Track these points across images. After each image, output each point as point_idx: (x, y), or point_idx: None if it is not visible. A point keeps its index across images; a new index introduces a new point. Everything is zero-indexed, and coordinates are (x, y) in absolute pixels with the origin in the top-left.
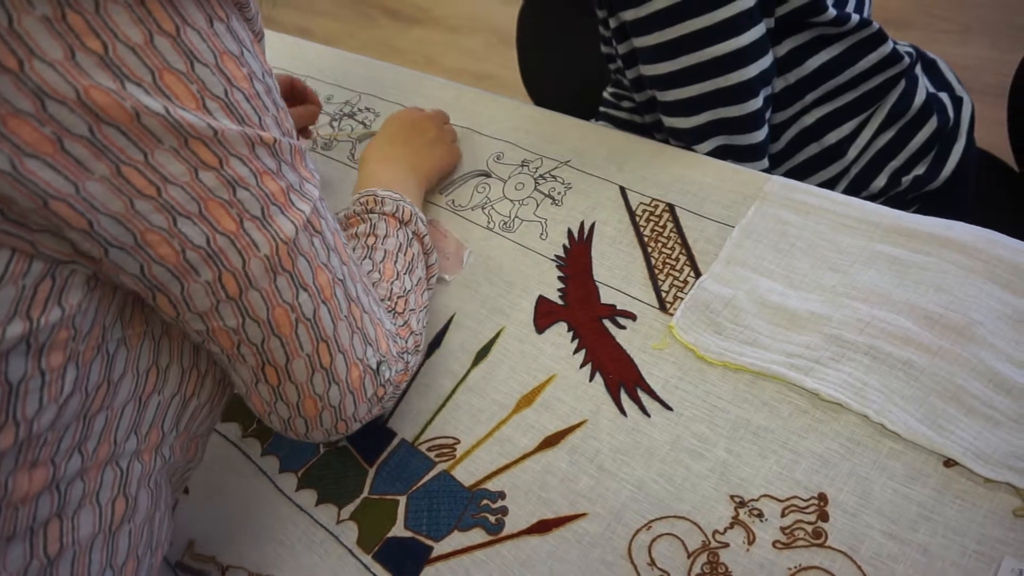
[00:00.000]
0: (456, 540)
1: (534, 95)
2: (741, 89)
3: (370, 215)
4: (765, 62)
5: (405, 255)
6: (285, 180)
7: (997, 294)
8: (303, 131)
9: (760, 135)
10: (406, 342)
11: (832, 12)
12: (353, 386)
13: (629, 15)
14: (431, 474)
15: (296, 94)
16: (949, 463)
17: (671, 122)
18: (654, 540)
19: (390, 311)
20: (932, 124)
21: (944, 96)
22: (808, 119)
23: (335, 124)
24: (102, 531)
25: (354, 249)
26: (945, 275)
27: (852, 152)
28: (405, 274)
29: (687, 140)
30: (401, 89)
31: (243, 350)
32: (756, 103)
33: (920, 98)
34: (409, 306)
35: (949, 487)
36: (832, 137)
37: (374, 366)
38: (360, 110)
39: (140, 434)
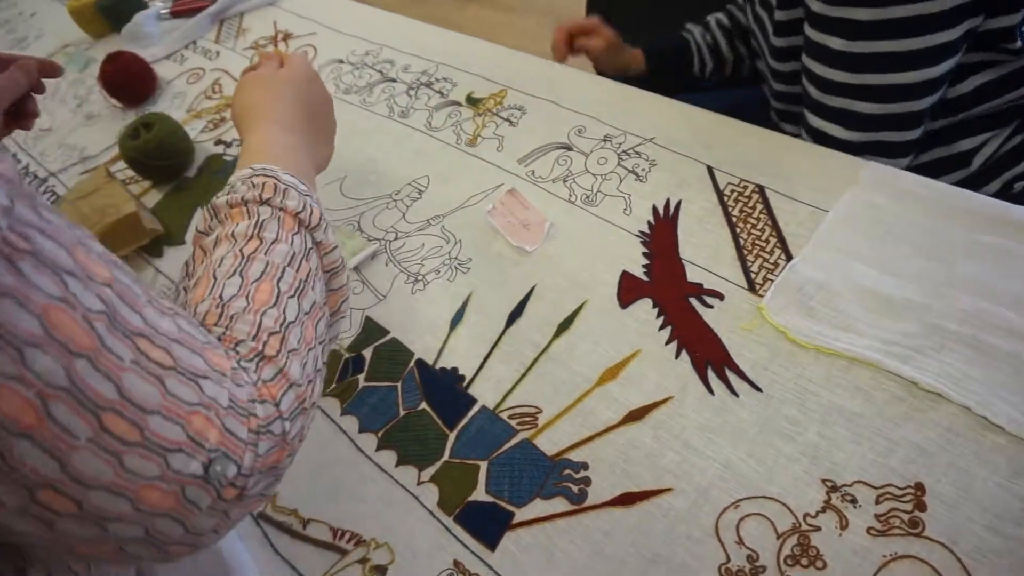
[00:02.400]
0: (538, 507)
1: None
2: (911, 118)
3: (261, 208)
4: (940, 92)
5: (297, 271)
6: None
7: None
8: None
9: (912, 148)
10: (278, 406)
11: (1020, 43)
12: (158, 509)
13: (821, 8)
14: (512, 441)
15: None
16: None
17: (822, 125)
18: (742, 519)
19: (254, 356)
20: None
21: None
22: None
23: (412, 92)
24: None
25: (220, 261)
26: None
27: (976, 162)
28: (291, 297)
29: (832, 146)
30: (480, 60)
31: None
32: (918, 132)
33: None
34: (288, 346)
35: None
36: (963, 145)
37: (196, 471)
38: (437, 79)
39: None
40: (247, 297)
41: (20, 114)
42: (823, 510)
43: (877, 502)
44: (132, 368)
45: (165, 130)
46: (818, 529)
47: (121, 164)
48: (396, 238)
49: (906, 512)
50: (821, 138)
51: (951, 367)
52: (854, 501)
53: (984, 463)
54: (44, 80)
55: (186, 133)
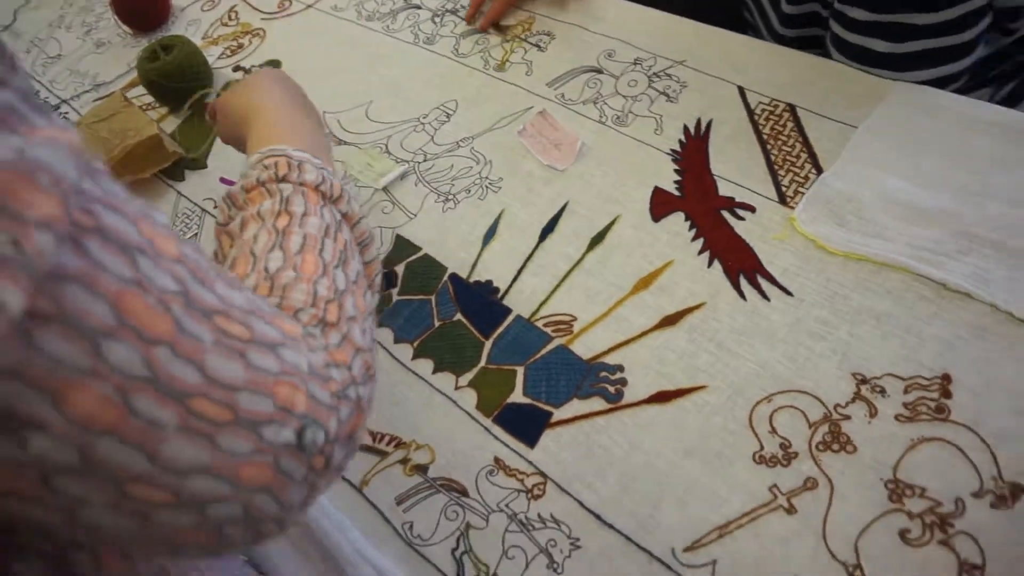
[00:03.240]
0: (575, 407)
1: None
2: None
3: (281, 185)
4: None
5: (335, 242)
6: None
7: None
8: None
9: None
10: (350, 369)
11: None
12: (255, 485)
13: None
14: (548, 347)
15: None
16: None
17: (863, 41)
18: (775, 411)
19: (317, 323)
20: None
21: None
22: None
23: (437, 19)
24: None
25: (255, 239)
26: None
27: None
28: (336, 268)
29: (873, 62)
30: None
31: (62, 486)
32: (974, 32)
33: None
34: (346, 313)
35: None
36: None
37: (290, 440)
38: (463, 6)
39: None
40: (294, 268)
41: None
42: (853, 400)
43: (905, 392)
44: (214, 349)
45: (184, 52)
46: (848, 418)
47: (137, 91)
48: (425, 159)
49: (932, 400)
50: (861, 56)
51: (979, 268)
52: (883, 392)
53: (1009, 354)
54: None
55: (205, 57)
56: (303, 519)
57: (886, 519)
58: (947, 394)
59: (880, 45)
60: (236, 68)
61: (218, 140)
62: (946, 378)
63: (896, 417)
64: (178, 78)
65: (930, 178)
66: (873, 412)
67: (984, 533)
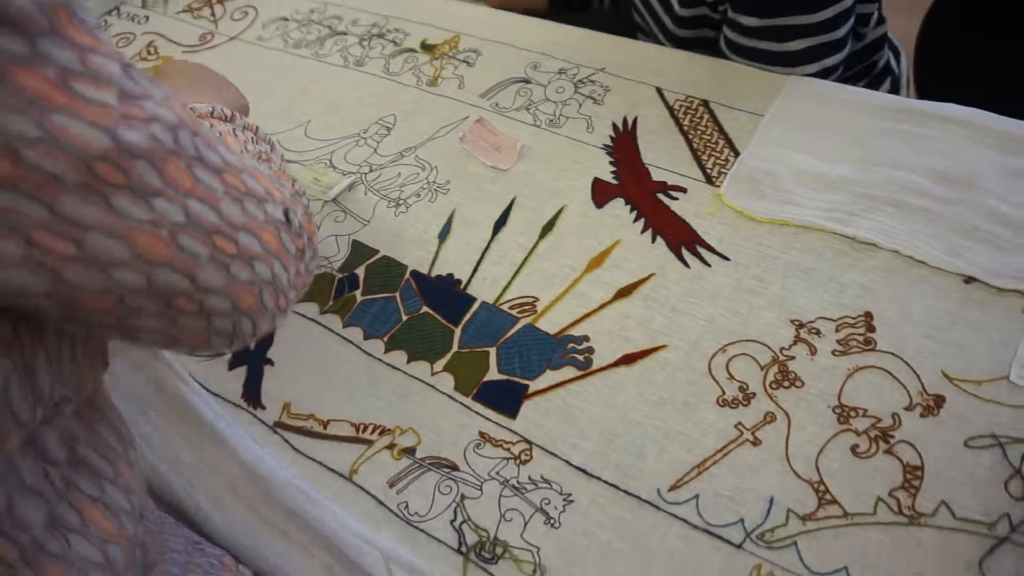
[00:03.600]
0: (549, 377)
1: None
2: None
3: (222, 122)
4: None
5: (239, 137)
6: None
7: (990, 155)
8: None
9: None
10: (293, 183)
11: None
12: (274, 251)
13: None
14: (516, 327)
15: None
16: (969, 280)
17: (756, 44)
18: (730, 360)
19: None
20: (887, 85)
21: (891, 54)
22: None
23: (364, 43)
24: None
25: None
26: (949, 143)
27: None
28: (250, 144)
29: (768, 60)
30: (426, 13)
31: (133, 302)
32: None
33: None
34: (274, 162)
35: (971, 298)
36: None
37: (282, 217)
38: (388, 31)
39: None
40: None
41: None
42: (794, 343)
43: (836, 331)
44: (227, 153)
45: None
46: (793, 358)
47: None
48: (371, 170)
49: (860, 335)
50: (755, 55)
51: (880, 223)
52: (818, 333)
53: (915, 290)
54: None
55: None
56: (293, 303)
57: (837, 439)
58: (871, 328)
59: (771, 46)
60: None
61: None
62: (868, 315)
63: (832, 352)
64: None
65: (828, 152)
66: (813, 351)
67: (919, 439)
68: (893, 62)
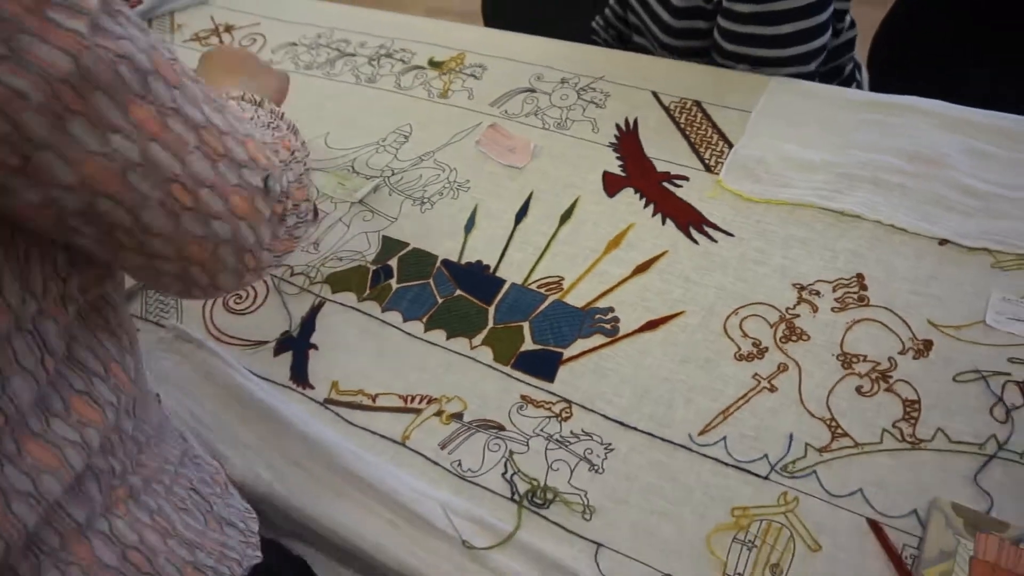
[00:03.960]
0: (581, 345)
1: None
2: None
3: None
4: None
5: (259, 115)
6: None
7: (952, 138)
8: None
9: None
10: (291, 153)
11: None
12: (242, 213)
13: None
14: (545, 303)
15: None
16: (943, 242)
17: (746, 51)
18: (742, 320)
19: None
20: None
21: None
22: None
23: (374, 63)
24: None
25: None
26: (916, 129)
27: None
28: (261, 123)
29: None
30: (430, 34)
31: (72, 223)
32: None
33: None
34: (280, 132)
35: (946, 256)
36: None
37: (260, 183)
38: (396, 51)
39: None
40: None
41: None
42: (798, 303)
43: (834, 291)
44: (215, 113)
45: None
46: (798, 316)
47: None
48: (393, 174)
49: (854, 293)
50: (751, 41)
51: (862, 198)
52: (818, 293)
53: (898, 253)
54: None
55: None
56: (271, 267)
57: (844, 382)
58: (864, 287)
59: (763, 30)
60: None
61: None
62: (860, 276)
63: (832, 309)
64: None
65: (811, 140)
66: (815, 309)
67: (914, 377)
68: (857, 74)
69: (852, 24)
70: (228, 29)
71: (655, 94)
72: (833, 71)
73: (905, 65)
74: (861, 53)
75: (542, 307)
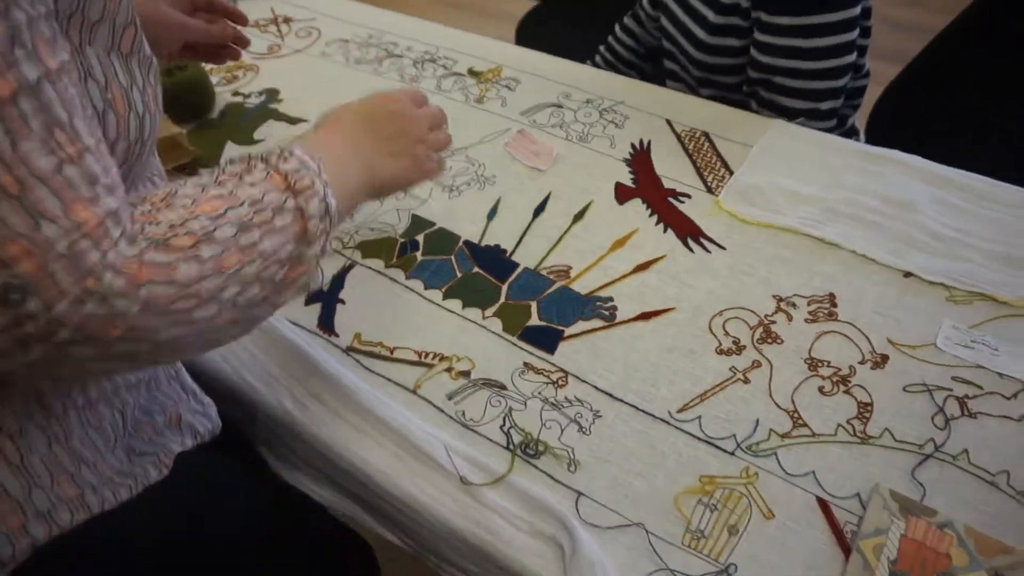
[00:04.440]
0: (581, 326)
1: None
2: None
3: (259, 162)
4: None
5: (256, 212)
6: None
7: (923, 188)
8: (215, 52)
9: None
10: (137, 285)
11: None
12: (22, 274)
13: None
14: (553, 288)
15: (216, 10)
16: (907, 275)
17: (777, 99)
18: (725, 321)
19: (153, 239)
20: None
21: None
22: None
23: (418, 66)
24: None
25: (201, 188)
26: (893, 177)
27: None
28: (231, 224)
29: (779, 112)
30: (472, 46)
31: None
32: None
33: None
34: (198, 252)
35: (908, 287)
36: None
37: (62, 249)
38: (439, 57)
39: None
40: (193, 200)
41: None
42: (776, 312)
43: (808, 305)
44: (41, 156)
45: (197, 70)
46: (775, 322)
47: None
48: None
49: (826, 309)
50: (779, 110)
51: (841, 230)
52: (794, 305)
53: (867, 279)
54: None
55: (211, 80)
56: (56, 338)
57: (808, 382)
58: (834, 304)
59: (800, 43)
60: (235, 93)
61: (228, 143)
62: (832, 295)
63: (804, 320)
64: (192, 92)
65: (803, 177)
66: (790, 318)
67: (869, 384)
68: (855, 137)
69: (867, 73)
70: (286, 20)
71: (669, 121)
72: (839, 121)
73: (901, 141)
74: (860, 121)
75: (550, 290)
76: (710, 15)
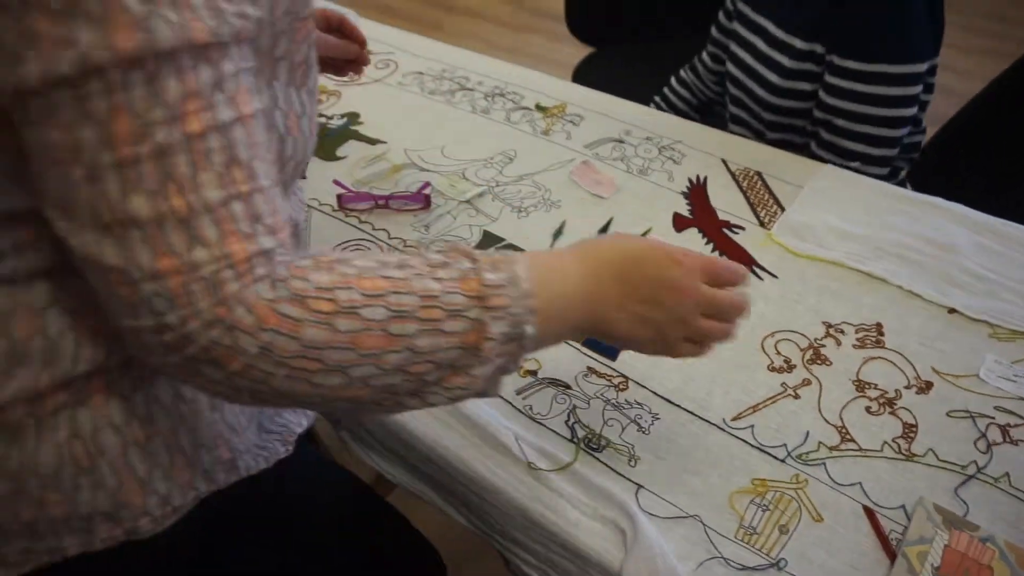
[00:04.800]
0: None
1: None
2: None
3: (466, 261)
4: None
5: (423, 307)
6: None
7: (964, 232)
8: (342, 66)
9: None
10: (261, 328)
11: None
12: (168, 287)
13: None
14: None
15: (344, 31)
16: (951, 311)
17: (838, 142)
18: (777, 342)
19: (293, 294)
20: None
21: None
22: None
23: (489, 99)
24: None
25: (379, 264)
26: (935, 221)
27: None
28: (387, 308)
29: (841, 155)
30: (538, 84)
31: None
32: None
33: None
34: (336, 321)
35: (953, 322)
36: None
37: (206, 274)
38: (508, 92)
39: None
40: (359, 272)
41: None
42: (825, 336)
43: (856, 332)
44: (211, 188)
45: None
46: (824, 346)
47: None
48: (497, 185)
49: (873, 337)
50: (838, 152)
51: (887, 266)
52: (843, 331)
53: (913, 313)
54: None
55: None
56: (165, 362)
57: (856, 401)
58: (881, 333)
59: (865, 88)
60: (319, 115)
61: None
62: (879, 325)
63: (853, 345)
64: None
65: (851, 217)
66: (839, 343)
67: (915, 407)
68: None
69: (923, 129)
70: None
71: (724, 161)
72: (891, 171)
73: (940, 195)
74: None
75: None
76: (784, 60)
